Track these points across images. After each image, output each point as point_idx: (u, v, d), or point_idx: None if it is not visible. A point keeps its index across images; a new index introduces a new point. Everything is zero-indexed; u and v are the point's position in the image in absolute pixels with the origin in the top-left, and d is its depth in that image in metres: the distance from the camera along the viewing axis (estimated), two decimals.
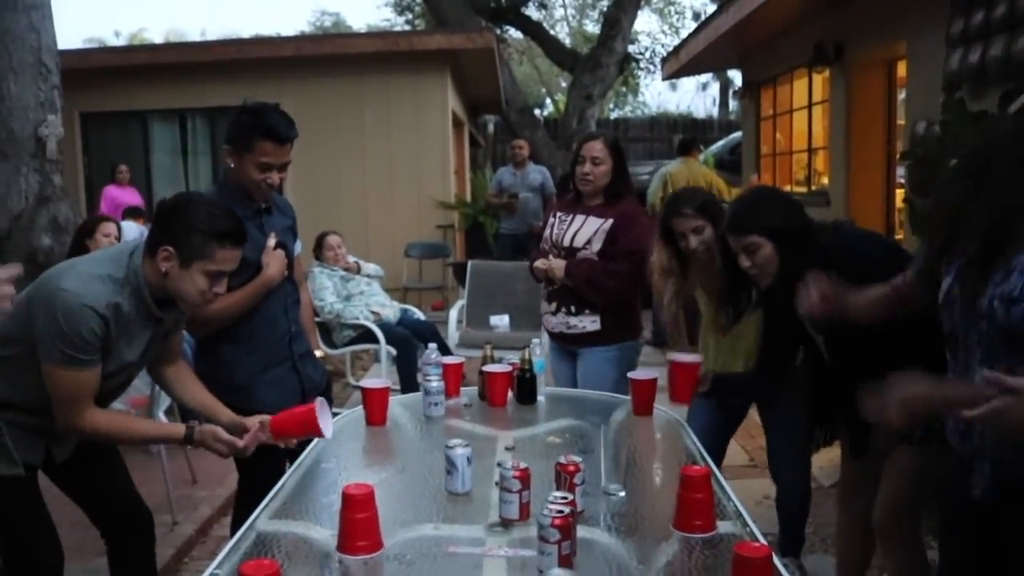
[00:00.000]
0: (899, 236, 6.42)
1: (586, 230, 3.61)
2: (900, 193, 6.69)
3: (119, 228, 5.40)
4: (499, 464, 2.31)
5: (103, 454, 2.66)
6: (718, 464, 3.46)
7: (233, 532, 2.04)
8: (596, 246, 3.58)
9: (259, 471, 2.88)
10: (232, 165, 2.82)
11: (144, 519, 2.75)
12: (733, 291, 3.02)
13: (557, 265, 3.62)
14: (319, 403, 2.44)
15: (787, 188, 9.11)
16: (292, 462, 2.53)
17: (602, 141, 3.67)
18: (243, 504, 2.86)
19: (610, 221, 3.58)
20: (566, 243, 3.64)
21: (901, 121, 6.91)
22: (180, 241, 2.31)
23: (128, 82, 9.93)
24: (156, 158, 10.67)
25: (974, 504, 1.98)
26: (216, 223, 2.33)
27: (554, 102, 25.86)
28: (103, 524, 2.73)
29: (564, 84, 22.13)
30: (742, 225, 2.68)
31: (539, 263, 3.70)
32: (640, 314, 3.78)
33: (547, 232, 3.80)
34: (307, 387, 3.00)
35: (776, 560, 1.65)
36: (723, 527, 1.99)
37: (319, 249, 6.14)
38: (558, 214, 3.78)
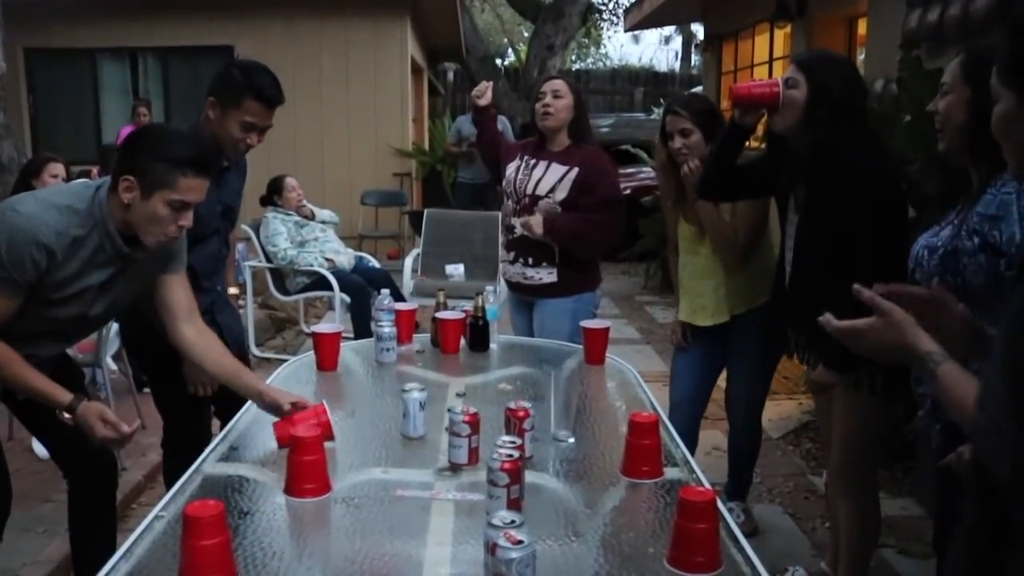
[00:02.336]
0: None
1: (549, 178, 3.50)
2: None
3: (67, 168, 5.27)
4: (449, 410, 2.31)
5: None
6: (701, 412, 3.54)
7: (171, 486, 2.01)
8: (560, 195, 3.46)
9: (184, 433, 2.86)
10: (211, 117, 2.74)
11: (106, 461, 2.69)
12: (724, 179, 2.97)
13: (535, 221, 3.47)
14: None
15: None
16: (222, 422, 2.50)
17: (562, 79, 3.67)
18: (169, 475, 2.85)
19: (575, 170, 3.47)
20: (529, 191, 3.52)
21: None
22: (141, 170, 2.20)
23: (76, 18, 9.61)
24: (105, 99, 10.38)
25: (939, 454, 1.99)
26: (178, 149, 2.23)
27: (516, 52, 25.57)
28: (65, 463, 2.69)
29: (526, 34, 21.89)
30: (795, 59, 2.69)
31: (521, 221, 3.54)
32: (599, 265, 3.75)
33: (509, 175, 3.64)
34: (228, 338, 2.96)
35: (720, 505, 1.67)
36: (670, 473, 2.01)
37: (275, 193, 6.04)
38: (525, 157, 3.62)
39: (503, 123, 9.22)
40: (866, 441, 2.67)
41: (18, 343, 2.27)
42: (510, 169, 3.66)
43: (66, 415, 2.27)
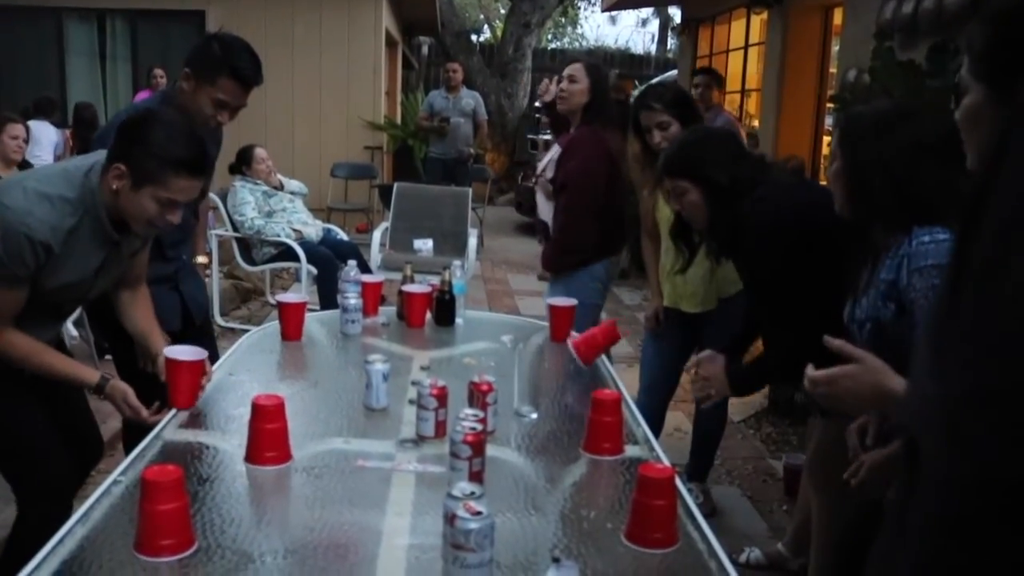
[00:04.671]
0: (823, 181, 6.52)
1: (549, 155, 3.75)
2: (827, 140, 6.79)
3: (28, 130, 5.18)
4: (414, 383, 2.31)
5: None
6: (669, 396, 3.56)
7: (129, 451, 2.00)
8: (549, 173, 3.68)
9: (145, 400, 2.84)
10: (185, 88, 2.69)
11: (94, 442, 2.65)
12: (683, 230, 2.84)
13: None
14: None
15: None
16: None
17: (581, 63, 3.74)
18: (128, 442, 2.82)
19: (556, 149, 3.67)
20: (539, 171, 3.81)
21: (833, 69, 6.98)
22: (133, 161, 2.13)
23: None
24: (71, 61, 10.17)
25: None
26: (173, 149, 2.15)
27: (492, 28, 25.43)
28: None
29: (503, 11, 21.76)
30: (672, 166, 2.59)
31: None
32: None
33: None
34: (192, 307, 2.93)
35: (679, 482, 1.68)
36: (631, 451, 2.02)
37: (244, 163, 5.97)
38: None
39: (476, 99, 9.21)
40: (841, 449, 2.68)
41: (25, 329, 2.25)
42: None
43: (95, 395, 2.35)
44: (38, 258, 2.12)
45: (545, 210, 3.85)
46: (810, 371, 1.58)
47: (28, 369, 2.26)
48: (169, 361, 2.20)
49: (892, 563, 1.12)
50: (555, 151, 3.77)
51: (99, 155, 2.25)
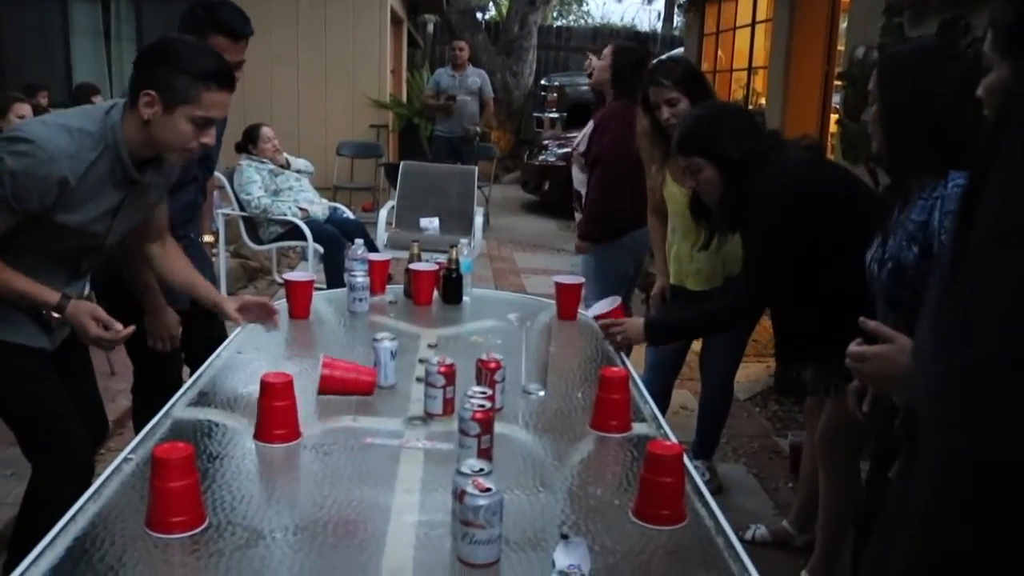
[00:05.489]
0: (830, 159, 6.50)
1: (584, 131, 3.97)
2: (834, 118, 6.75)
3: (34, 110, 5.17)
4: (421, 360, 2.32)
5: (80, 351, 2.53)
6: (675, 374, 3.57)
7: (138, 430, 2.00)
8: (582, 147, 3.92)
9: (154, 379, 2.85)
10: None
11: (101, 423, 2.65)
12: (701, 207, 2.83)
13: None
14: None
15: None
16: (192, 368, 2.50)
17: (615, 45, 4.09)
18: (138, 420, 2.84)
19: (591, 125, 3.86)
20: (574, 145, 4.08)
21: (841, 47, 6.93)
22: (163, 84, 2.09)
23: None
24: (76, 42, 10.14)
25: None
26: (201, 62, 2.12)
27: (496, 6, 25.28)
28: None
29: None
30: (686, 144, 2.61)
31: None
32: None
33: None
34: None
35: (687, 460, 1.69)
36: (638, 429, 2.03)
37: (250, 142, 5.96)
38: None
39: (482, 77, 9.18)
40: (854, 418, 2.67)
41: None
42: None
43: (55, 315, 2.22)
44: (49, 193, 2.05)
45: (580, 182, 4.05)
46: (853, 346, 1.58)
47: None
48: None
49: (893, 540, 1.12)
50: (589, 126, 3.93)
51: (119, 99, 2.22)
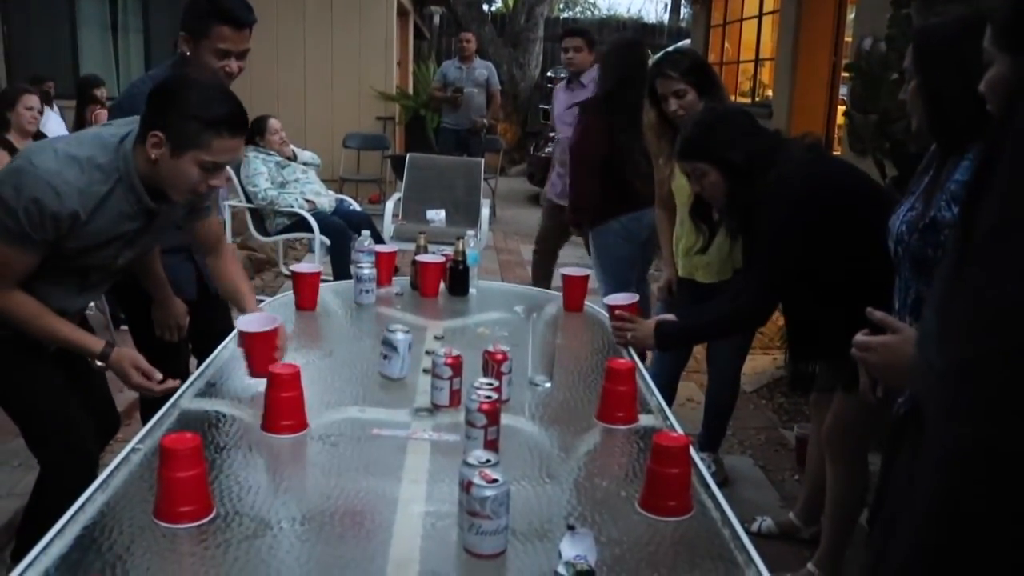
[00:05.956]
0: (837, 151, 6.48)
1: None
2: (842, 109, 6.73)
3: (41, 100, 5.18)
4: (428, 352, 2.32)
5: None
6: (682, 367, 3.58)
7: (145, 421, 2.01)
8: None
9: (161, 370, 2.85)
10: (188, 53, 2.68)
11: (111, 416, 2.65)
12: (702, 209, 2.84)
13: None
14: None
15: (732, 99, 9.10)
16: (199, 359, 2.50)
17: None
18: (145, 411, 2.84)
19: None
20: None
21: (848, 38, 6.90)
22: (171, 127, 2.04)
23: None
24: (83, 33, 10.14)
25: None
26: (212, 108, 2.06)
27: None
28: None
29: None
30: (688, 150, 2.60)
31: None
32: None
33: None
34: (207, 277, 2.95)
35: (693, 452, 1.69)
36: (644, 420, 2.03)
37: (257, 134, 5.96)
38: None
39: (489, 69, 9.16)
40: (864, 409, 2.66)
41: (48, 300, 2.20)
42: None
43: (99, 363, 2.27)
44: (60, 225, 2.05)
45: None
46: (860, 336, 1.58)
47: (31, 333, 2.19)
48: (242, 333, 2.19)
49: (895, 530, 1.12)
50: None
51: (135, 122, 2.16)
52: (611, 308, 2.71)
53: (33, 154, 2.09)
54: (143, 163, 2.10)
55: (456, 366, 2.03)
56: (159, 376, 2.23)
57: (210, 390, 2.17)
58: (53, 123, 6.56)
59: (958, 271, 0.94)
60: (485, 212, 6.37)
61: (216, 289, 2.74)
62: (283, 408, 1.89)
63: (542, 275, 5.16)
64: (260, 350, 2.16)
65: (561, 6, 25.74)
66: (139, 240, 2.29)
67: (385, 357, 2.21)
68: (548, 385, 2.22)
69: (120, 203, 2.14)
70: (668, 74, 3.13)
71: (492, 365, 2.05)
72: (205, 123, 2.05)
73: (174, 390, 2.14)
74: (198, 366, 2.40)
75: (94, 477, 1.69)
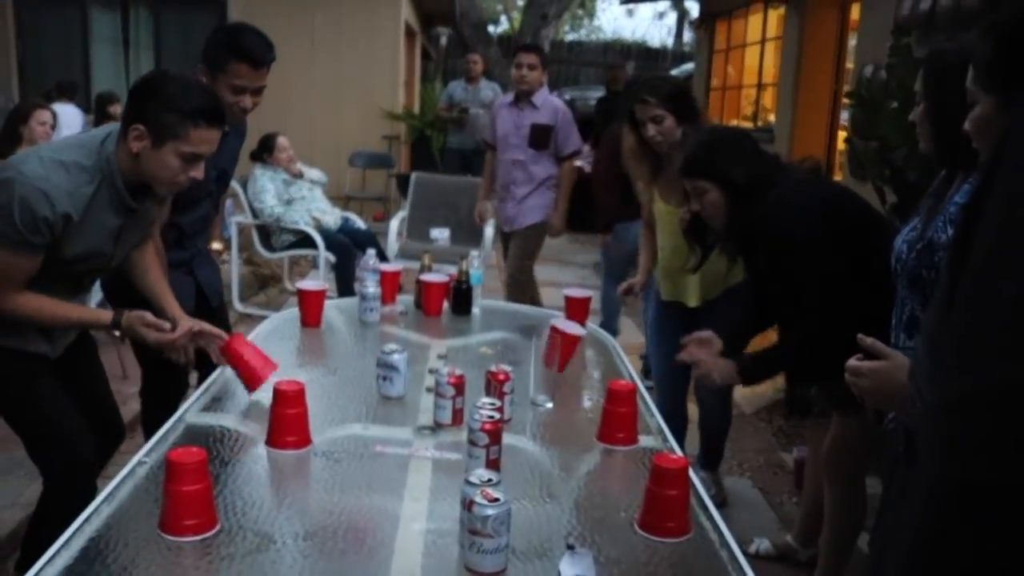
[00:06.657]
0: (838, 176, 6.52)
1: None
2: (842, 135, 6.77)
3: (55, 116, 5.23)
4: (431, 371, 2.34)
5: (89, 358, 2.58)
6: (686, 389, 3.53)
7: (149, 435, 2.03)
8: None
9: (162, 383, 2.87)
10: (205, 83, 2.72)
11: (116, 427, 2.66)
12: (697, 230, 2.84)
13: None
14: (270, 372, 2.27)
15: (734, 123, 9.16)
16: (200, 372, 2.53)
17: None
18: (148, 423, 2.86)
19: None
20: None
21: (850, 65, 6.96)
22: (152, 119, 2.14)
23: None
24: (96, 49, 10.23)
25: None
26: (190, 100, 2.16)
27: (509, 19, 25.40)
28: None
29: (520, 2, 21.74)
30: (691, 167, 2.62)
31: None
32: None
33: None
34: (207, 291, 2.98)
35: (692, 473, 1.71)
36: (644, 442, 2.05)
37: (266, 150, 6.00)
38: None
39: (495, 90, 9.22)
40: (861, 432, 2.67)
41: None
42: None
43: (116, 332, 2.39)
44: (54, 228, 2.12)
45: None
46: (852, 361, 1.60)
47: (44, 324, 2.28)
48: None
49: (885, 559, 1.14)
50: None
51: (113, 126, 2.27)
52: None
53: (20, 163, 2.17)
54: (125, 159, 2.19)
55: (459, 385, 2.05)
56: (166, 325, 2.34)
57: (216, 405, 2.19)
58: (70, 115, 6.62)
59: (949, 309, 0.96)
60: (489, 232, 6.40)
61: (215, 301, 2.76)
62: (288, 424, 1.91)
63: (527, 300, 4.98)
64: (246, 365, 2.26)
65: (566, 29, 25.91)
66: (126, 238, 2.36)
67: (385, 379, 2.23)
68: (550, 405, 2.25)
69: (105, 202, 2.22)
70: (646, 99, 3.13)
71: (494, 385, 2.08)
72: (183, 114, 2.15)
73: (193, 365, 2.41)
74: (198, 378, 2.43)
75: (91, 489, 1.71)
